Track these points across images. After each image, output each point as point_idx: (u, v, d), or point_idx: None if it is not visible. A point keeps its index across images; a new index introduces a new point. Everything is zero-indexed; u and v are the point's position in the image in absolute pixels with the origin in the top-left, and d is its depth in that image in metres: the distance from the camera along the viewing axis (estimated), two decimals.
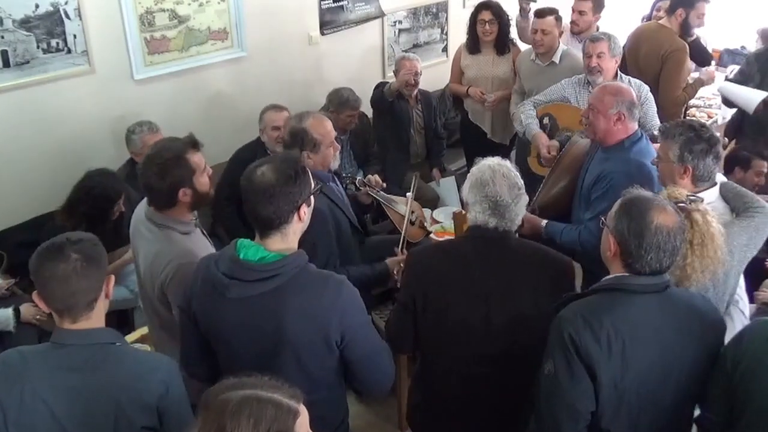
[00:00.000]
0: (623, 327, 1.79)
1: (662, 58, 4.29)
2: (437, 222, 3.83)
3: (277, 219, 1.85)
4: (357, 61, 5.01)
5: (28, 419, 1.67)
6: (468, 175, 2.18)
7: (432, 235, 3.63)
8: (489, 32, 4.37)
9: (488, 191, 2.07)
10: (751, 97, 4.11)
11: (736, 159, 3.77)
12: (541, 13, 4.16)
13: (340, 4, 4.75)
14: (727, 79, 4.53)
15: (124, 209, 3.34)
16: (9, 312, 3.04)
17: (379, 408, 3.23)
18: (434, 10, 5.39)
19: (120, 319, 3.53)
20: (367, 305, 3.09)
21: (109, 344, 1.74)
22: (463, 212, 2.48)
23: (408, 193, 3.59)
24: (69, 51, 3.62)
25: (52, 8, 3.51)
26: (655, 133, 3.51)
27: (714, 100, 5.32)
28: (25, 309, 3.10)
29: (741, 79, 4.29)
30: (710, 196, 2.42)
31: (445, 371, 2.21)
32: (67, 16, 3.57)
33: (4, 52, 3.42)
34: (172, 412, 1.73)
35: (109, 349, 1.74)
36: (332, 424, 2.07)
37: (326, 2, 4.67)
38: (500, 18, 4.36)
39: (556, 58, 4.17)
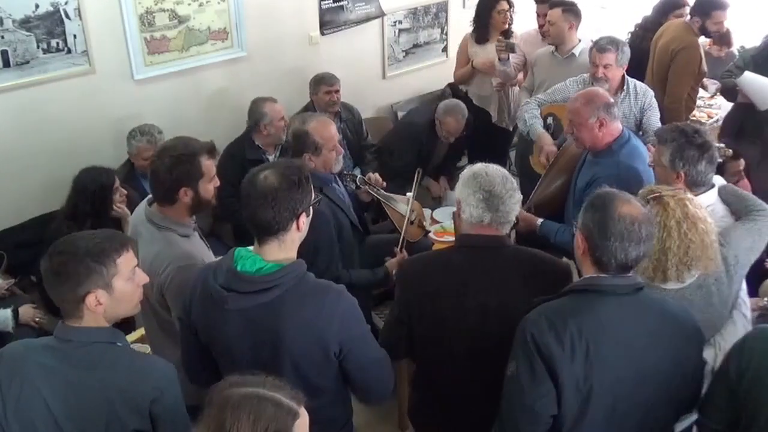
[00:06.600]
0: (589, 329, 1.75)
1: (672, 53, 4.31)
2: (437, 222, 3.83)
3: (276, 225, 1.82)
4: (357, 61, 5.00)
5: (26, 411, 1.68)
6: (460, 176, 2.15)
7: (432, 235, 3.63)
8: (506, 21, 4.55)
9: (481, 181, 2.05)
10: None
11: None
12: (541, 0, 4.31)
13: (340, 4, 4.75)
14: (722, 77, 4.47)
15: (127, 192, 3.34)
16: (8, 313, 3.04)
17: (379, 408, 3.22)
18: (434, 10, 5.38)
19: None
20: (367, 306, 3.12)
21: (110, 344, 1.75)
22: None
23: (408, 193, 3.58)
24: (69, 51, 3.62)
25: (52, 8, 3.51)
26: None
27: (714, 99, 5.28)
28: (24, 310, 3.10)
29: (732, 74, 4.22)
30: (708, 199, 2.42)
31: (442, 376, 2.20)
32: (67, 16, 3.57)
33: (4, 52, 3.42)
34: (165, 418, 1.71)
35: (109, 348, 1.74)
36: (336, 426, 2.07)
37: (326, 2, 4.67)
38: (513, 6, 4.61)
39: (576, 51, 4.16)
